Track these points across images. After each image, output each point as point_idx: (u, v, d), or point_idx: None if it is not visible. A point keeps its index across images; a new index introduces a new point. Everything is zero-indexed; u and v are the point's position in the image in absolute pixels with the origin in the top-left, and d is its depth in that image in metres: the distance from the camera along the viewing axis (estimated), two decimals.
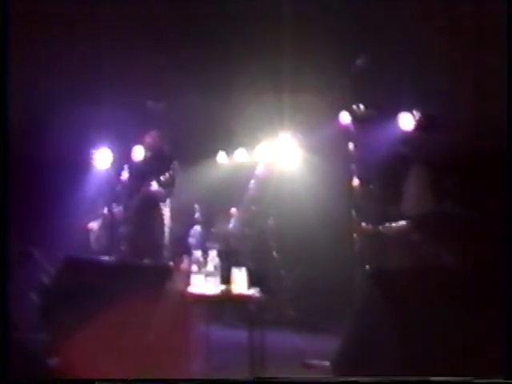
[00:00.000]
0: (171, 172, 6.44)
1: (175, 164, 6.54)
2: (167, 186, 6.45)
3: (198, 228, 8.46)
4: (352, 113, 5.57)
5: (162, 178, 6.39)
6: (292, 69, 6.05)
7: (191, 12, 5.58)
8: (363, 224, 5.51)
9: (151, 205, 6.46)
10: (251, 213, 7.75)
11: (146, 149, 6.66)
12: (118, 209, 6.68)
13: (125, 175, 6.61)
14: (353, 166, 5.48)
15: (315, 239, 7.00)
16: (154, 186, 6.37)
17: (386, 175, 5.98)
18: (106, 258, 6.13)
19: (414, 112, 6.06)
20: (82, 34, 5.77)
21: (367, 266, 5.11)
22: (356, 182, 5.47)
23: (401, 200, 5.71)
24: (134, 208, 6.48)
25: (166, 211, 6.54)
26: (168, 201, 6.56)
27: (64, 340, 3.55)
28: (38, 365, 3.48)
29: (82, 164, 7.78)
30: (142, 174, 6.55)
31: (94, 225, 7.93)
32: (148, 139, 6.67)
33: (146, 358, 3.51)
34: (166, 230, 6.51)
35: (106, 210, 7.78)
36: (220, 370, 4.62)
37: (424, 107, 6.00)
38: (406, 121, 6.16)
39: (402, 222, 5.53)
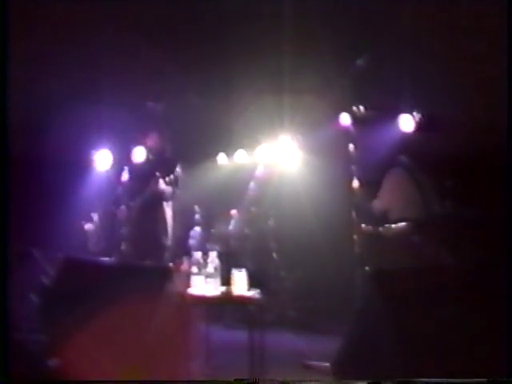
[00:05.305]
0: (174, 173, 6.45)
1: (178, 166, 6.54)
2: (170, 187, 6.46)
3: (198, 229, 8.45)
4: (352, 114, 5.56)
5: (163, 179, 6.40)
6: (292, 69, 6.05)
7: (191, 12, 5.58)
8: (363, 225, 5.51)
9: (153, 206, 6.46)
10: (251, 214, 7.75)
11: (147, 150, 6.66)
12: (118, 210, 6.67)
13: (125, 176, 6.61)
14: (353, 167, 5.48)
15: (315, 240, 7.00)
16: (158, 186, 6.37)
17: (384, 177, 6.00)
18: (106, 259, 6.12)
19: (414, 113, 6.06)
20: (81, 34, 5.77)
21: (367, 267, 5.10)
22: (356, 183, 5.46)
23: (400, 202, 5.72)
24: (135, 209, 6.47)
25: (168, 212, 6.54)
26: (169, 202, 6.57)
27: (64, 341, 3.55)
28: (38, 365, 3.48)
29: (82, 165, 7.77)
30: (143, 175, 6.55)
31: (94, 226, 7.93)
32: (148, 141, 6.67)
33: (147, 359, 3.51)
34: (168, 231, 6.51)
35: (106, 211, 7.77)
36: (220, 370, 4.63)
37: (424, 107, 5.99)
38: (406, 122, 6.15)
39: (402, 224, 5.53)
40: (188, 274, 4.53)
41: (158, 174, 6.41)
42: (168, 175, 6.41)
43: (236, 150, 8.53)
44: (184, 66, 6.36)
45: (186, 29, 5.89)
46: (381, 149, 6.21)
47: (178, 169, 6.53)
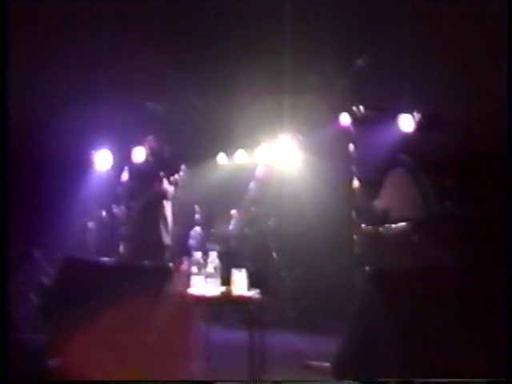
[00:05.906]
0: (176, 173, 6.45)
1: (179, 166, 6.55)
2: (172, 187, 6.47)
3: (198, 229, 8.46)
4: (352, 114, 5.56)
5: (167, 179, 6.40)
6: (292, 70, 6.05)
7: (191, 12, 5.58)
8: (363, 225, 5.51)
9: (154, 206, 6.45)
10: (251, 214, 7.75)
11: (147, 150, 6.66)
12: (118, 210, 6.67)
13: (125, 176, 6.61)
14: (353, 168, 5.48)
15: (315, 240, 7.01)
16: (161, 186, 6.37)
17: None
18: (106, 259, 6.12)
19: (414, 113, 6.06)
20: (82, 35, 5.77)
21: (367, 267, 5.10)
22: (356, 183, 5.46)
23: (400, 202, 5.72)
24: (136, 209, 6.47)
25: (168, 213, 6.54)
26: (169, 202, 6.57)
27: (64, 341, 3.55)
28: (38, 365, 3.47)
29: (83, 165, 7.78)
30: (143, 175, 6.55)
31: (94, 226, 7.93)
32: (149, 141, 6.68)
33: (147, 360, 3.50)
34: (168, 231, 6.51)
35: (106, 211, 7.78)
36: (220, 371, 4.62)
37: (424, 107, 5.99)
38: (406, 122, 6.15)
39: (402, 223, 5.52)
40: (188, 274, 4.52)
41: (161, 173, 6.42)
42: (171, 175, 6.42)
43: (236, 150, 8.54)
44: (184, 66, 6.35)
45: (185, 29, 5.89)
46: (381, 149, 6.20)
47: (180, 169, 6.55)
